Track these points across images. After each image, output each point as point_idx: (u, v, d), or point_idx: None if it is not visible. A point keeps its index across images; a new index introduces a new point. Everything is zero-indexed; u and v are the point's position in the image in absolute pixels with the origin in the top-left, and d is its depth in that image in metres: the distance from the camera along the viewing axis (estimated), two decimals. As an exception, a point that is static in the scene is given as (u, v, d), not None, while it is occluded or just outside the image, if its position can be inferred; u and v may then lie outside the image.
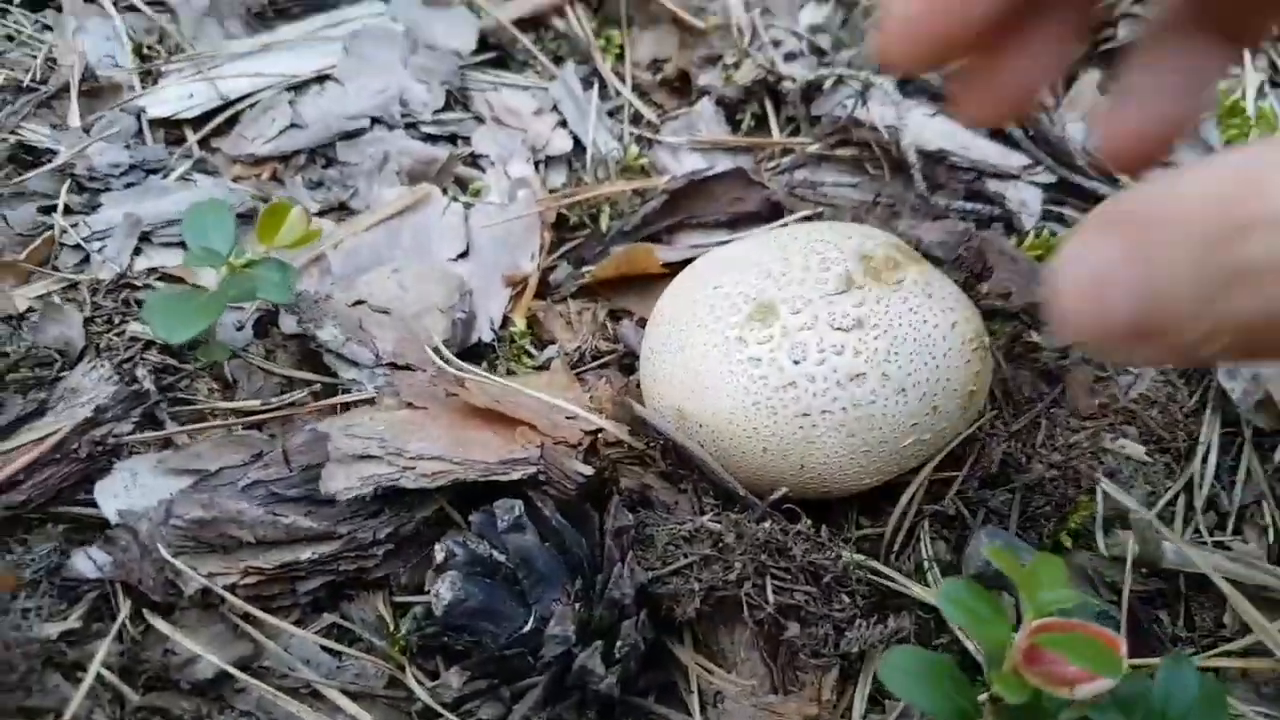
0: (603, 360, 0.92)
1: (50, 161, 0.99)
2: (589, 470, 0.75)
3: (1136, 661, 0.72)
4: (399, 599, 0.75)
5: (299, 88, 1.08)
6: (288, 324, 0.88)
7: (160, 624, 0.71)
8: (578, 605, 0.69)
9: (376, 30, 1.12)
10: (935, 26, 0.54)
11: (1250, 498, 0.85)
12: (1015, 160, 1.04)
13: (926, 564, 0.77)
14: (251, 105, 1.06)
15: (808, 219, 1.00)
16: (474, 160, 1.07)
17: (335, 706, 0.70)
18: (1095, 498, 0.81)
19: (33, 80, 1.06)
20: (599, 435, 0.79)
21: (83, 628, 0.71)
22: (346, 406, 0.83)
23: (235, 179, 1.02)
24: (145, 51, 1.12)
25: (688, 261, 0.86)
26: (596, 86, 1.13)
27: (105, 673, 0.69)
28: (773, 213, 1.03)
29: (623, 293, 0.97)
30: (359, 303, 0.88)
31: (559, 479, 0.75)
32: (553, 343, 0.94)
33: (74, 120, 1.03)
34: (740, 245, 0.83)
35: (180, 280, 0.92)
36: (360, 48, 1.10)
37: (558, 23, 1.18)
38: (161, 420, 0.82)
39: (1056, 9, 0.58)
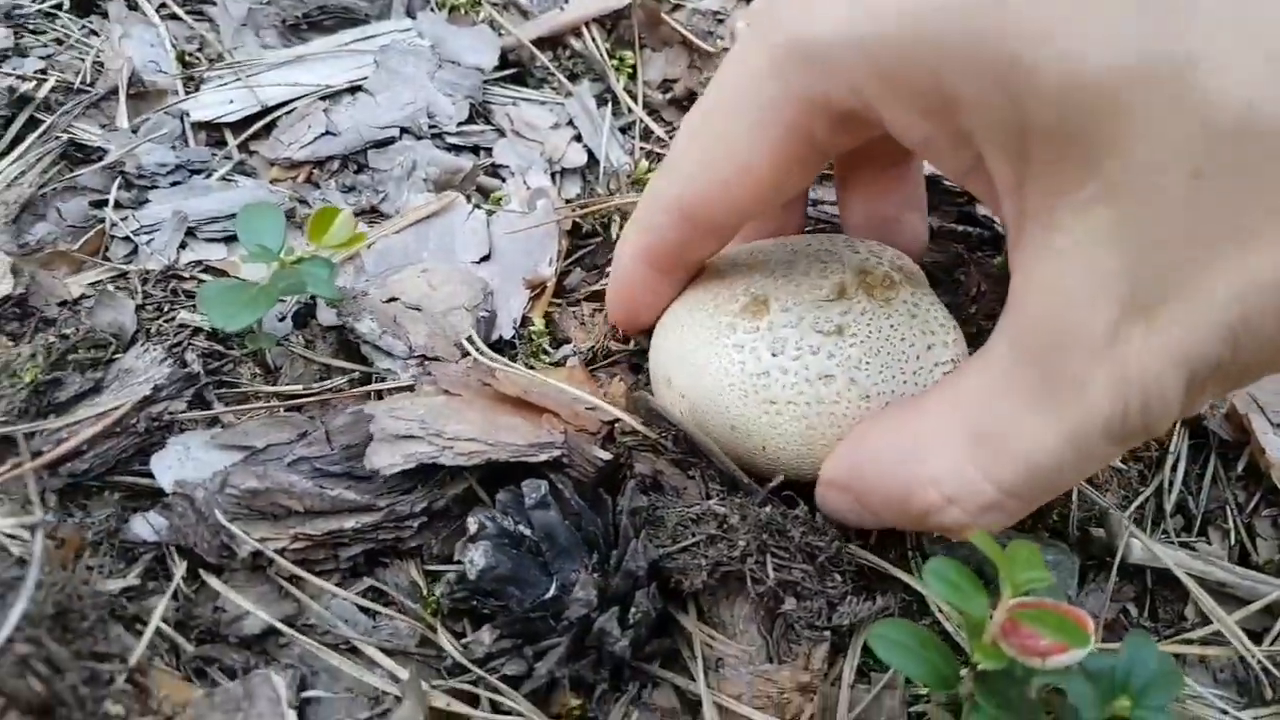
0: (613, 359, 0.99)
1: (101, 160, 1.06)
2: (607, 456, 0.82)
3: (1105, 646, 0.79)
4: (430, 567, 0.82)
5: (332, 97, 1.15)
6: (326, 316, 0.95)
7: (213, 582, 0.78)
8: (596, 575, 0.76)
9: (404, 46, 1.19)
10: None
11: (1215, 503, 0.92)
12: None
13: (911, 552, 0.84)
14: (288, 112, 1.13)
15: (821, 229, 1.08)
16: (495, 170, 1.14)
17: (371, 661, 0.76)
18: (1071, 498, 0.88)
19: (83, 82, 1.12)
20: (616, 424, 0.86)
21: (140, 585, 0.78)
22: (380, 394, 0.90)
23: (273, 181, 1.09)
24: (187, 59, 1.19)
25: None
26: (610, 103, 1.21)
27: (163, 625, 0.75)
28: (773, 227, 1.10)
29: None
30: (392, 299, 0.95)
31: (580, 463, 0.82)
32: (568, 341, 1.01)
33: (122, 122, 1.10)
34: (756, 245, 0.90)
35: (223, 273, 0.99)
36: (390, 62, 1.17)
37: (574, 42, 1.25)
38: (209, 401, 0.89)
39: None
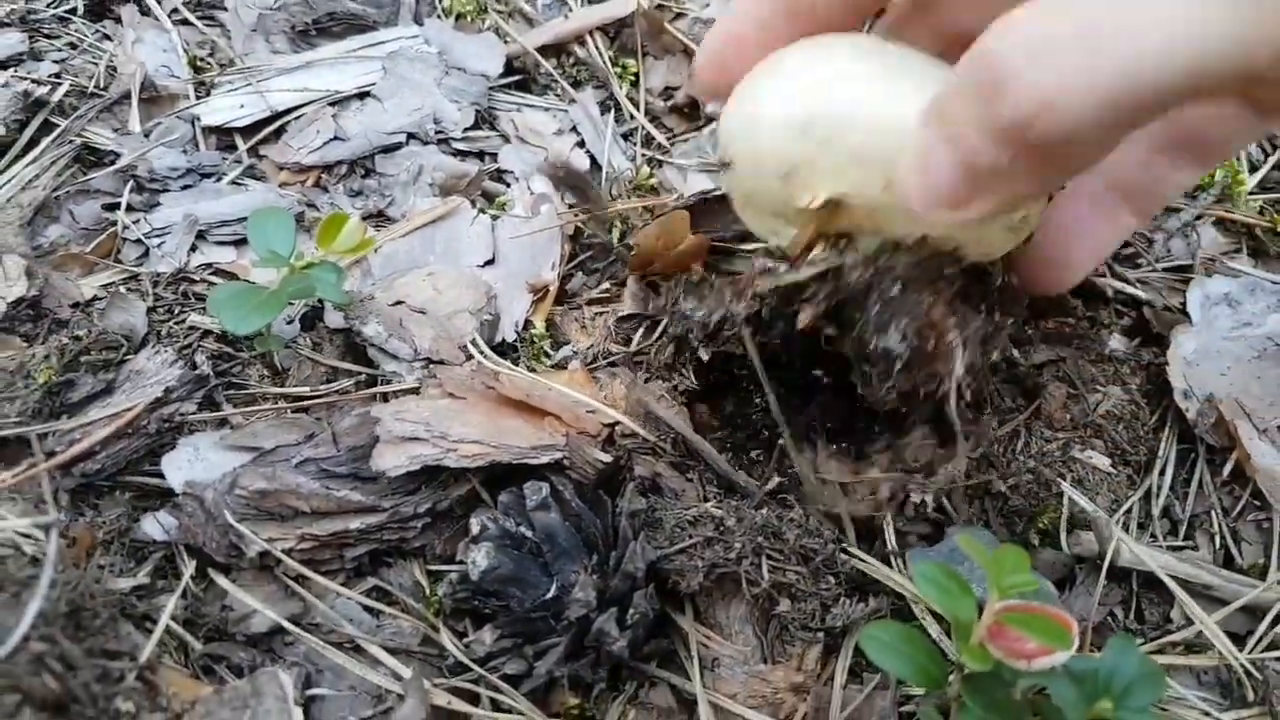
0: (613, 360, 1.01)
1: (113, 163, 1.08)
2: (608, 458, 0.84)
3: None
4: (433, 567, 0.84)
5: (341, 103, 1.17)
6: (333, 319, 0.97)
7: (222, 581, 0.80)
8: (595, 576, 0.78)
9: (412, 53, 1.21)
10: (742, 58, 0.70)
11: (1201, 508, 0.93)
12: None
13: (892, 555, 0.85)
14: (297, 117, 1.15)
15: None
16: (500, 175, 1.15)
17: (375, 659, 0.78)
18: (1063, 501, 0.90)
19: (95, 87, 1.14)
20: (616, 427, 0.88)
21: (150, 584, 0.80)
22: (386, 396, 0.92)
23: (282, 185, 1.10)
24: (199, 64, 1.20)
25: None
26: (612, 110, 1.22)
27: (172, 624, 0.77)
28: (773, 233, 1.12)
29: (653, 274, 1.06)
30: (399, 303, 0.97)
31: (581, 465, 0.84)
32: (568, 344, 1.03)
33: (135, 126, 1.12)
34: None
35: (233, 276, 1.01)
36: (397, 68, 1.19)
37: (578, 50, 1.27)
38: (219, 402, 0.91)
39: None
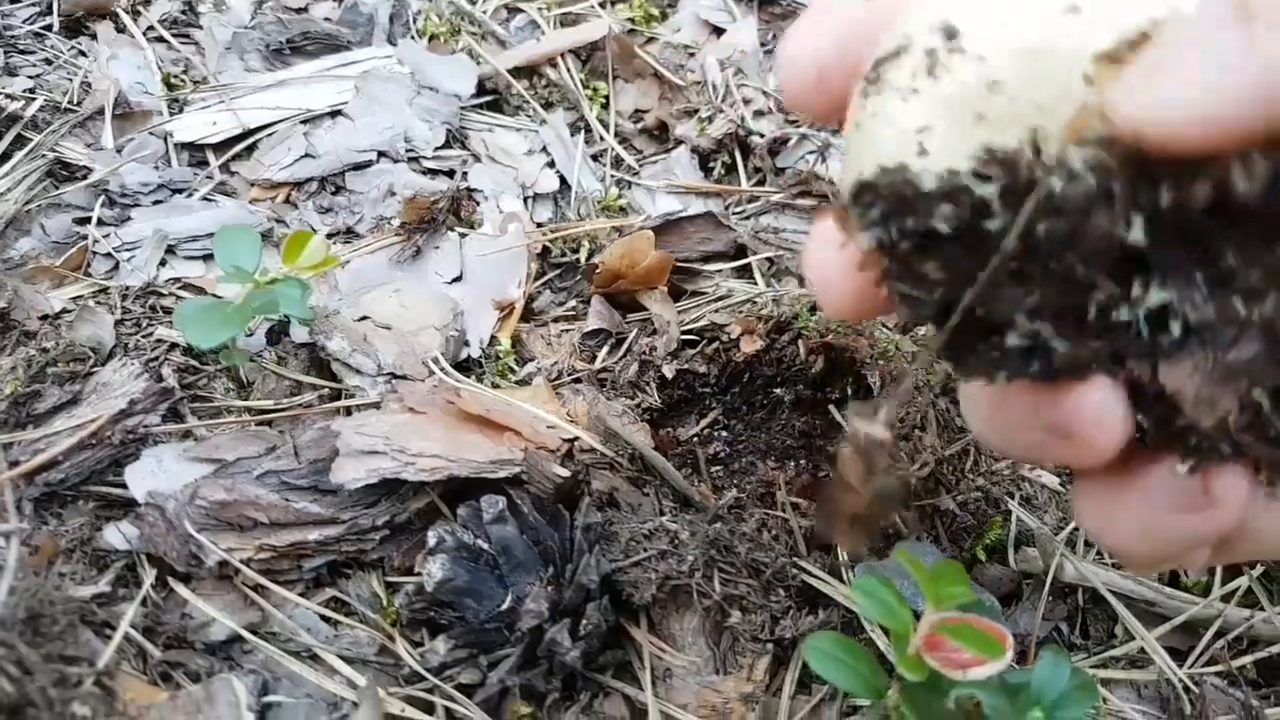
0: (577, 376, 1.02)
1: (85, 178, 1.09)
2: (565, 473, 0.86)
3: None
4: (391, 579, 0.85)
5: (313, 121, 1.19)
6: (298, 334, 0.99)
7: (181, 590, 0.81)
8: (549, 588, 0.79)
9: (384, 72, 1.23)
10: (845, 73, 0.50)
11: (1148, 525, 0.95)
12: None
13: (844, 568, 0.87)
14: (269, 135, 1.17)
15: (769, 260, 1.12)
16: (470, 194, 1.17)
17: (331, 668, 0.80)
18: (1010, 519, 0.92)
19: (69, 103, 1.16)
20: (575, 443, 0.90)
21: (111, 592, 0.81)
22: (349, 410, 0.93)
23: (253, 201, 1.12)
24: (173, 81, 1.22)
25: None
26: (583, 132, 1.25)
27: (131, 631, 0.78)
28: (738, 253, 1.14)
29: (618, 292, 1.08)
30: (364, 318, 0.99)
31: (539, 479, 0.85)
32: (534, 361, 1.04)
33: (107, 141, 1.13)
34: None
35: (202, 290, 1.02)
36: (369, 88, 1.21)
37: (550, 72, 1.29)
38: (183, 414, 0.92)
39: None
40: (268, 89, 1.21)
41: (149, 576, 0.82)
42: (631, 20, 1.34)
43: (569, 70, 1.28)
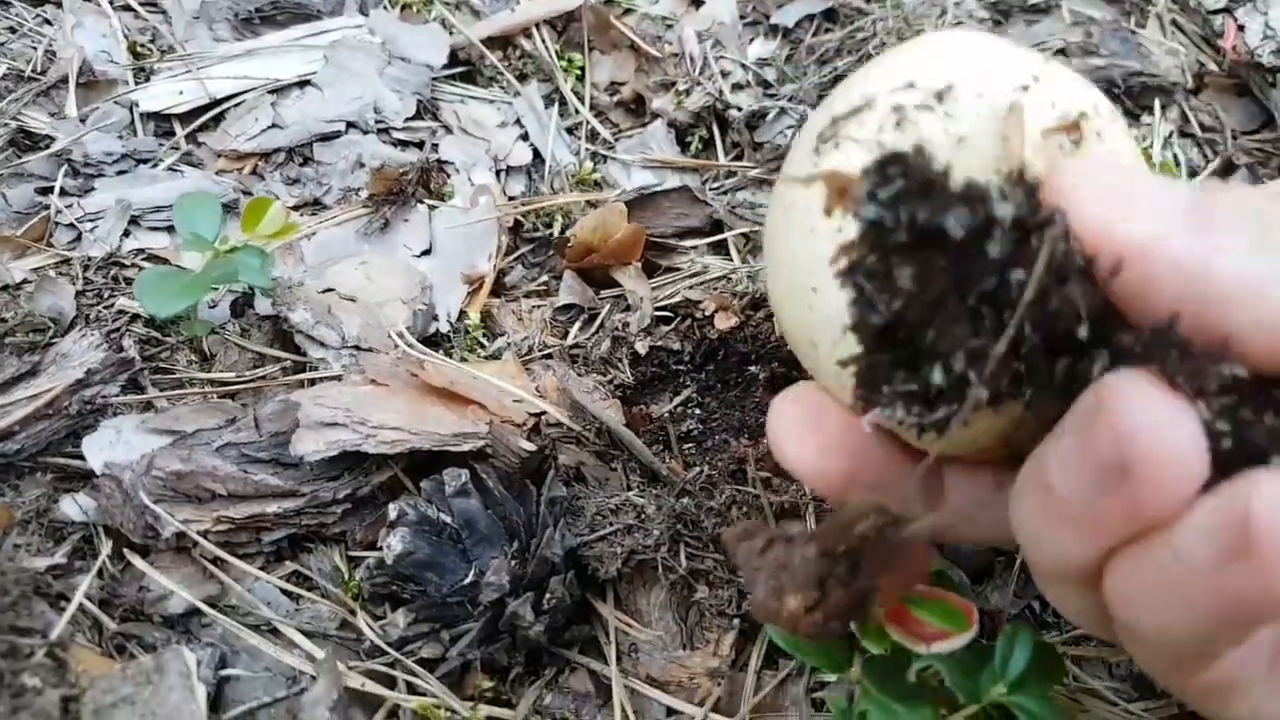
0: (548, 352, 1.01)
1: (48, 147, 1.07)
2: (531, 447, 0.85)
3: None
4: (353, 553, 0.84)
5: (281, 91, 1.17)
6: (262, 306, 0.97)
7: (138, 563, 0.80)
8: (513, 562, 0.78)
9: (355, 42, 1.21)
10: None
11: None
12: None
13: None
14: (236, 105, 1.15)
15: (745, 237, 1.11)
16: (441, 166, 1.16)
17: (291, 642, 0.79)
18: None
19: (33, 71, 1.14)
20: (542, 417, 0.88)
21: (67, 564, 0.79)
22: (313, 382, 0.92)
23: (219, 172, 1.10)
24: (139, 50, 1.20)
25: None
26: (557, 104, 1.23)
27: (87, 603, 0.77)
28: (714, 229, 1.13)
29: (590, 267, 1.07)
30: (328, 290, 0.97)
31: (504, 453, 0.84)
32: (503, 336, 1.03)
33: (71, 110, 1.11)
34: None
35: (165, 261, 1.00)
36: (339, 57, 1.19)
37: (524, 43, 1.27)
38: (144, 386, 0.91)
39: None
40: (236, 59, 1.19)
41: (105, 548, 0.80)
42: (608, -9, 1.33)
43: (544, 41, 1.27)
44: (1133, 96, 1.25)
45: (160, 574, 0.79)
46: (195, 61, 1.18)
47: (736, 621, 0.81)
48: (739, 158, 1.22)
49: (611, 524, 0.82)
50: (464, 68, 1.26)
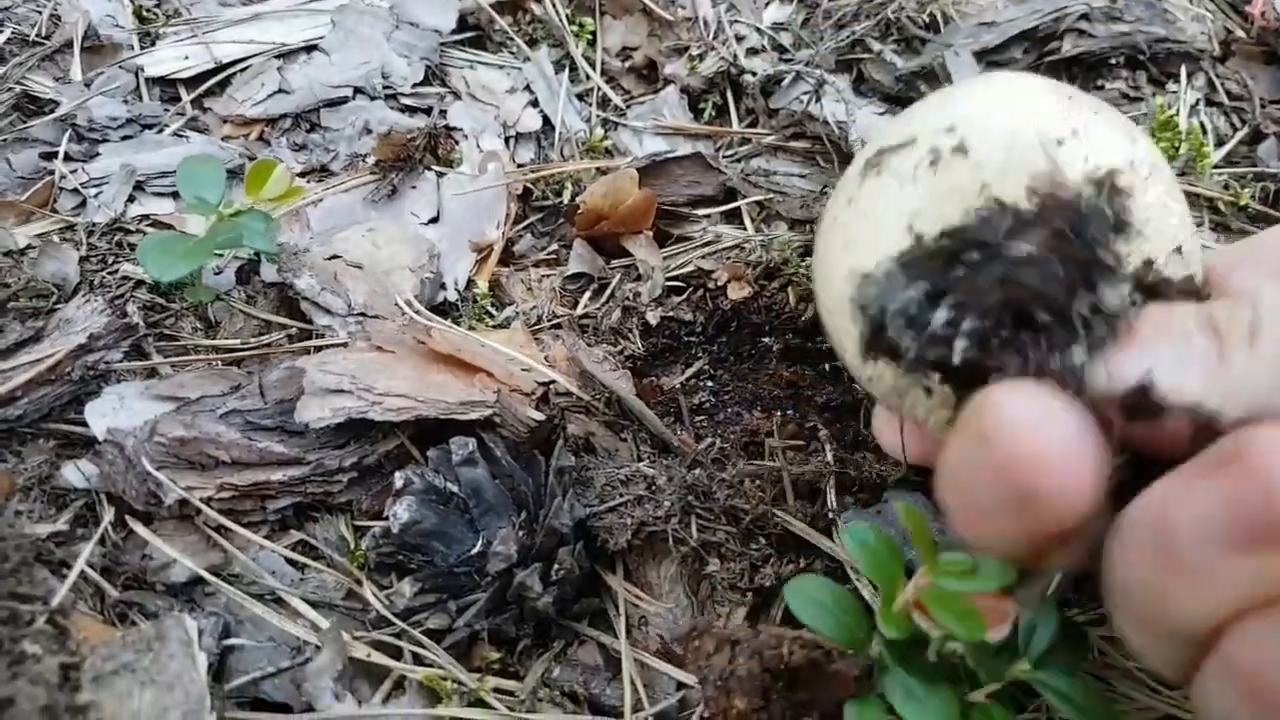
0: (557, 322, 0.99)
1: (53, 112, 1.06)
2: (540, 416, 0.83)
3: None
4: (359, 523, 0.83)
5: (287, 56, 1.15)
6: (268, 272, 0.96)
7: (141, 530, 0.79)
8: (520, 532, 0.77)
9: (362, 6, 1.19)
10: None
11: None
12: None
13: (832, 514, 0.85)
14: (243, 70, 1.13)
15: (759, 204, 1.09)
16: (449, 133, 1.14)
17: (296, 612, 0.77)
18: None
19: (38, 35, 1.12)
20: (551, 386, 0.87)
21: (69, 531, 0.78)
22: (319, 349, 0.90)
23: (225, 138, 1.09)
24: (144, 15, 1.18)
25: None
26: (567, 70, 1.21)
27: (88, 570, 0.76)
28: (727, 196, 1.11)
29: (601, 235, 1.05)
30: (334, 257, 0.95)
31: (511, 422, 0.83)
32: (512, 305, 1.01)
33: (76, 75, 1.10)
34: None
35: (170, 227, 0.99)
36: (346, 22, 1.17)
37: (534, 7, 1.25)
38: (148, 352, 0.89)
39: None
40: (242, 23, 1.17)
41: (108, 515, 0.79)
42: (621, -45, 1.30)
43: (554, 5, 1.24)
44: (1158, 63, 1.22)
45: (163, 542, 0.78)
46: (201, 26, 1.16)
47: (749, 595, 0.79)
48: (753, 124, 1.19)
49: (621, 495, 0.80)
50: (473, 33, 1.24)
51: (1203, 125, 1.17)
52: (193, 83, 1.12)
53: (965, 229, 0.53)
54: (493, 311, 1.00)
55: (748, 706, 0.61)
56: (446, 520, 0.77)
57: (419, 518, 0.75)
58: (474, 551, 0.76)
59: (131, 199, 1.01)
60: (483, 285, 1.01)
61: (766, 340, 0.99)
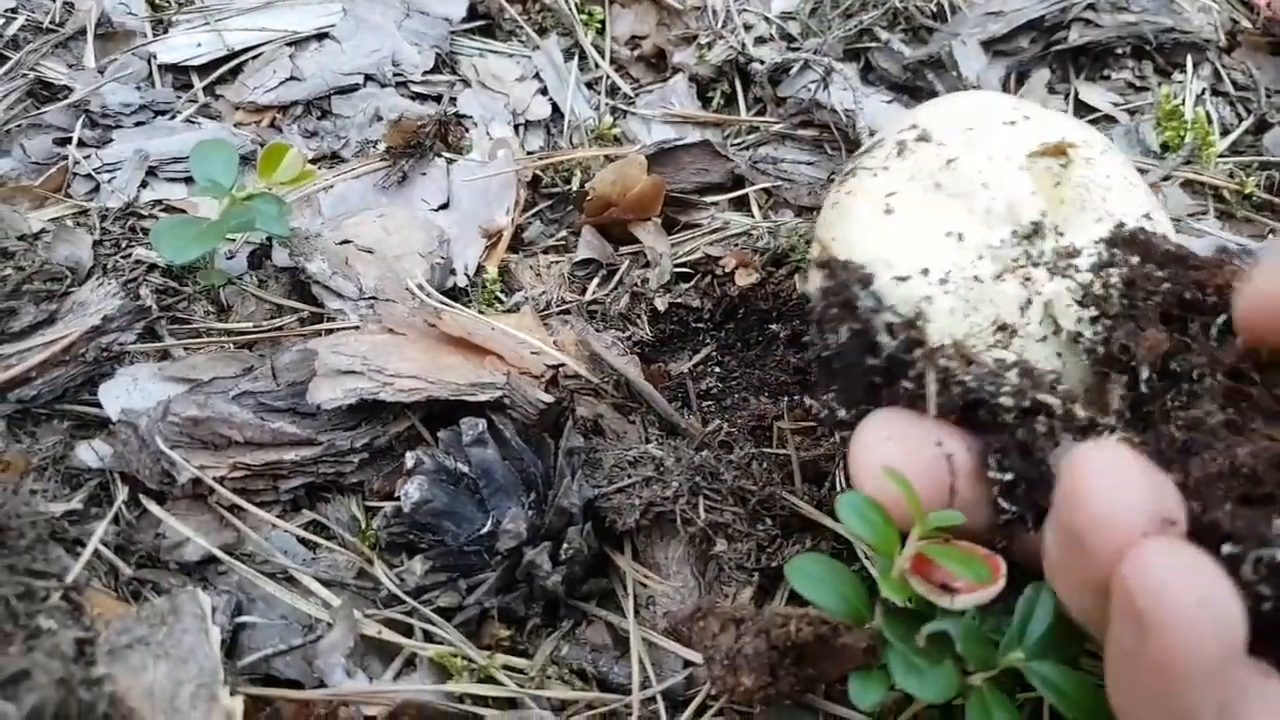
0: (566, 308, 1.00)
1: (66, 98, 1.07)
2: (549, 398, 0.84)
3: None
4: (371, 503, 0.84)
5: (299, 43, 1.16)
6: (280, 257, 0.97)
7: (154, 509, 0.79)
8: (530, 512, 0.78)
9: (374, -6, 1.20)
10: None
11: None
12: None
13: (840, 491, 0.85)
14: (255, 57, 1.14)
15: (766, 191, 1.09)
16: (459, 120, 1.14)
17: (308, 590, 0.78)
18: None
19: (52, 22, 1.13)
20: (560, 369, 0.87)
21: (84, 510, 0.79)
22: (330, 333, 0.91)
23: (237, 124, 1.10)
24: (157, 2, 1.19)
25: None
26: (577, 58, 1.21)
27: (103, 549, 0.77)
28: (735, 184, 1.11)
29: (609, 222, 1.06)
30: (346, 242, 0.96)
31: (521, 404, 0.83)
32: (521, 291, 1.02)
33: (89, 61, 1.11)
34: None
35: (182, 212, 1.00)
36: (358, 9, 1.18)
37: (545, -4, 1.26)
38: (161, 335, 0.90)
39: None
40: (254, 10, 1.18)
41: (122, 494, 0.80)
42: (631, -56, 1.30)
43: (564, -6, 1.25)
44: (1164, 53, 1.22)
45: (176, 520, 0.79)
46: (213, 13, 1.17)
47: (756, 576, 0.80)
48: (761, 112, 1.20)
49: (630, 476, 0.81)
50: (483, 21, 1.25)
51: (1208, 114, 1.18)
52: (205, 70, 1.13)
53: None
54: (502, 297, 1.01)
55: (754, 684, 0.61)
56: (457, 500, 0.78)
57: (430, 497, 0.76)
58: (484, 531, 0.77)
59: (144, 184, 1.02)
60: (492, 271, 1.02)
61: (773, 327, 0.99)
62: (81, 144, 1.04)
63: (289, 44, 1.15)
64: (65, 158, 1.03)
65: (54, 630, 0.66)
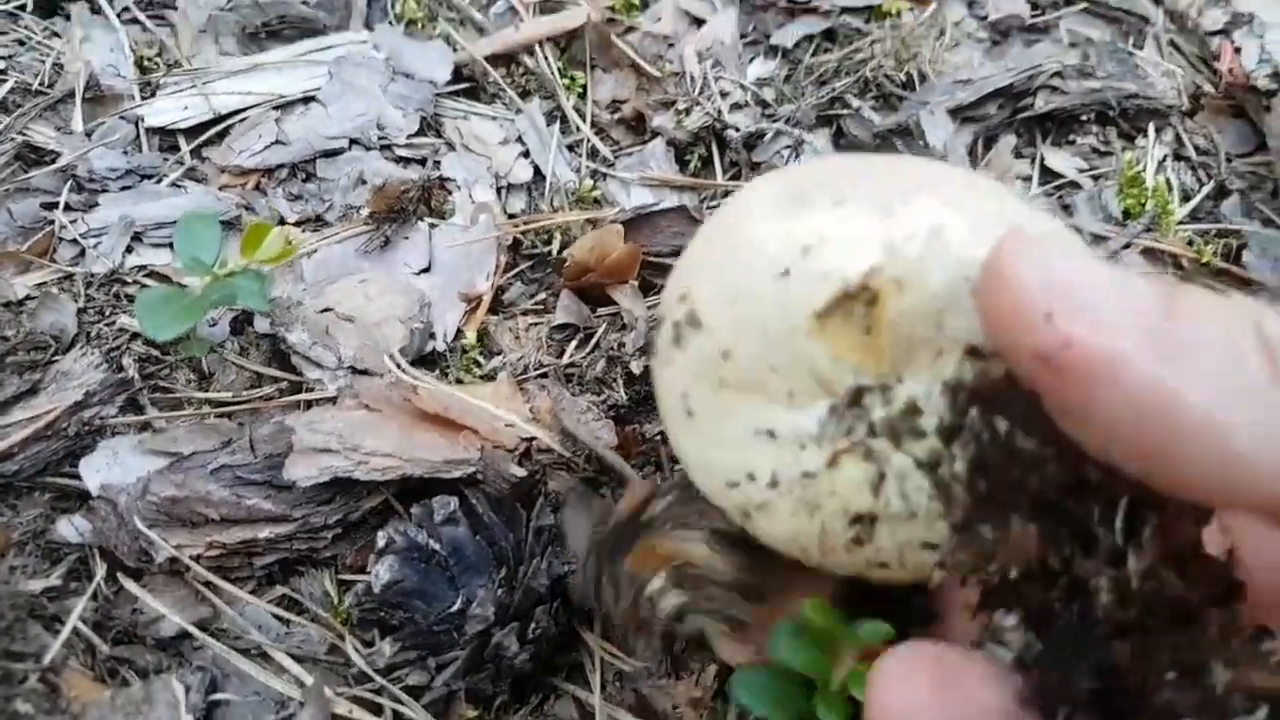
0: (544, 371, 1.02)
1: (54, 162, 1.09)
2: (522, 473, 0.86)
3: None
4: (344, 577, 0.86)
5: (285, 106, 1.18)
6: (261, 325, 0.98)
7: (131, 586, 0.81)
8: (499, 591, 0.79)
9: (359, 57, 1.22)
10: None
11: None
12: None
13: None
14: (241, 120, 1.16)
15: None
16: (443, 183, 1.17)
17: (281, 667, 0.80)
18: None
19: (40, 85, 1.15)
20: (533, 442, 0.89)
21: (62, 586, 0.81)
22: (309, 404, 0.93)
23: (222, 187, 1.11)
24: (146, 64, 1.21)
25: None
26: (559, 121, 1.24)
27: (81, 626, 0.78)
28: (711, 248, 1.13)
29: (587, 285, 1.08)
30: (327, 309, 0.98)
31: (494, 479, 0.85)
32: (500, 354, 1.04)
33: (77, 125, 1.12)
34: None
35: (167, 278, 1.02)
36: (343, 73, 1.20)
37: (527, 60, 1.28)
38: (143, 405, 0.92)
39: None
40: (241, 73, 1.20)
41: (100, 571, 0.82)
42: (611, 9, 1.33)
43: (547, 58, 1.27)
44: (1129, 118, 1.25)
45: (153, 597, 0.81)
46: (201, 76, 1.19)
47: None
48: (736, 177, 1.22)
49: (599, 552, 0.83)
50: (467, 84, 1.27)
51: (1168, 182, 1.20)
52: (192, 133, 1.15)
53: None
54: (480, 360, 1.03)
55: None
56: (427, 579, 0.80)
57: (400, 577, 0.78)
58: (453, 609, 0.79)
59: (130, 249, 1.04)
60: (471, 336, 1.03)
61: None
62: (68, 208, 1.06)
63: (275, 107, 1.17)
64: (52, 222, 1.05)
65: (31, 715, 0.67)
